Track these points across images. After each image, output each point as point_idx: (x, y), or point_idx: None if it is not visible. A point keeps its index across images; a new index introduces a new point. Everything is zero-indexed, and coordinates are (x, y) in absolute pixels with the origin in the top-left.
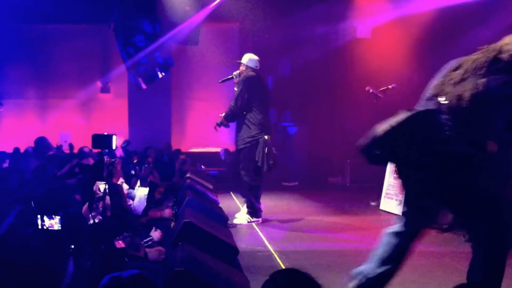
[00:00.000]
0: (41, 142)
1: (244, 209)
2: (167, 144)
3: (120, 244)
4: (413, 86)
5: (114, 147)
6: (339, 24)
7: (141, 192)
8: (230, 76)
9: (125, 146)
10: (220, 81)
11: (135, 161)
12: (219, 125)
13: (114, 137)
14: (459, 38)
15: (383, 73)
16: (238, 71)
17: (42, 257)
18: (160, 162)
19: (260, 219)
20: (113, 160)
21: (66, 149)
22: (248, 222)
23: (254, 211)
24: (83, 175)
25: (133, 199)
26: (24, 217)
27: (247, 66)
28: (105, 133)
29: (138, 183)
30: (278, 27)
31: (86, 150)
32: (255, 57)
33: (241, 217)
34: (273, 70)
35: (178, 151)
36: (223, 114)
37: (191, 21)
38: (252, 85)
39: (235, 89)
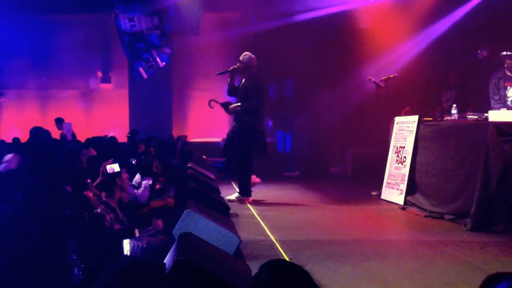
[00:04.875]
0: (37, 133)
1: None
2: (169, 135)
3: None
4: (414, 75)
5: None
6: (340, 12)
7: (146, 181)
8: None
9: (131, 136)
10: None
11: (141, 150)
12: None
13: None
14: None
15: (384, 62)
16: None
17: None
18: (162, 152)
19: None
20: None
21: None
22: (236, 198)
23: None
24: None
25: (136, 188)
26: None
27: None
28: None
29: (138, 175)
30: (279, 15)
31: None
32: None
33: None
34: (272, 60)
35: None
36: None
37: (191, 9)
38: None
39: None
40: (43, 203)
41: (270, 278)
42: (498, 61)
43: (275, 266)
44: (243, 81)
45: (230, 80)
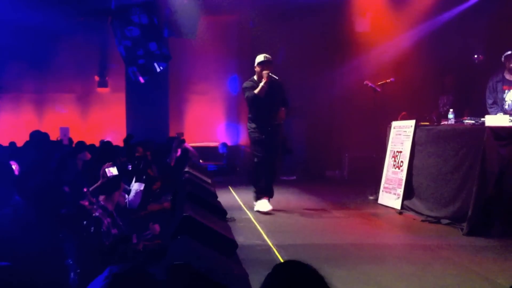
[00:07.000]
0: (37, 136)
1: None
2: (167, 138)
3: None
4: (411, 80)
5: None
6: (338, 17)
7: (136, 186)
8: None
9: (127, 140)
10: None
11: (138, 154)
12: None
13: None
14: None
15: (381, 67)
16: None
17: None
18: (159, 155)
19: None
20: None
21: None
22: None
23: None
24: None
25: (129, 194)
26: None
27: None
28: None
29: (134, 180)
30: (276, 19)
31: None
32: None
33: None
34: None
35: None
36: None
37: (189, 14)
38: None
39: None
40: (45, 205)
41: (285, 279)
42: (497, 64)
43: (291, 267)
44: (263, 82)
45: (265, 84)
